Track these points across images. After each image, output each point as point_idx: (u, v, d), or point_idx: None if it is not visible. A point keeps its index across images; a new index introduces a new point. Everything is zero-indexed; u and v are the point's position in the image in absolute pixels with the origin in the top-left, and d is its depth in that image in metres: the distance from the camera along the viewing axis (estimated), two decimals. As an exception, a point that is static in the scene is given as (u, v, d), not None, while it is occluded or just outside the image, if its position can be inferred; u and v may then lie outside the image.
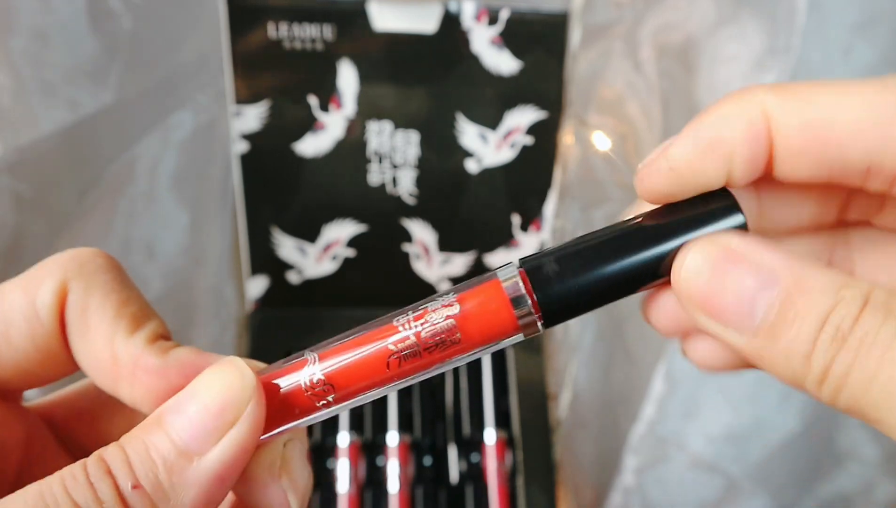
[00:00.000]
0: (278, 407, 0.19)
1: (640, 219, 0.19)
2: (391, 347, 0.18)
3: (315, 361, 0.19)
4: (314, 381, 0.18)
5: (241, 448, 0.18)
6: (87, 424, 0.22)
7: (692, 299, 0.18)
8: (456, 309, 0.18)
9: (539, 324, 0.18)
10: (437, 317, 0.18)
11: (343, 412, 0.19)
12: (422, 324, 0.18)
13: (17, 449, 0.21)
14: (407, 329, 0.18)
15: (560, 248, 0.19)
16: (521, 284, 0.18)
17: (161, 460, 0.17)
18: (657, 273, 0.19)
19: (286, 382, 0.19)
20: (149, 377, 0.19)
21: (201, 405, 0.18)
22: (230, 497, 0.21)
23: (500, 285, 0.18)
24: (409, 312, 0.18)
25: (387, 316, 0.19)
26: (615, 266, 0.18)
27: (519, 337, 0.19)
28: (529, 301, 0.18)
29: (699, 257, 0.18)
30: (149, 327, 0.19)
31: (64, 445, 0.22)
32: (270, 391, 0.19)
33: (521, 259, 0.19)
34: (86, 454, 0.22)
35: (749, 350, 0.18)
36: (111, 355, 0.19)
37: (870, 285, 0.17)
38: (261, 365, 0.20)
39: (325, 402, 0.19)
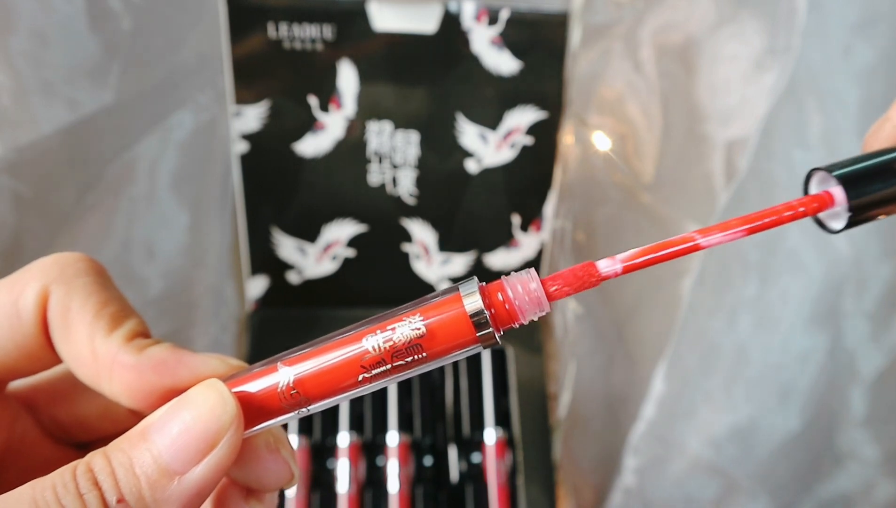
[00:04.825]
0: (255, 411, 0.20)
1: None
2: (362, 366, 0.20)
3: (288, 372, 0.20)
4: (287, 388, 0.20)
5: (220, 469, 0.19)
6: (67, 406, 0.23)
7: None
8: (422, 329, 0.19)
9: (497, 336, 0.20)
10: (404, 336, 0.19)
11: (319, 411, 0.22)
12: (390, 344, 0.20)
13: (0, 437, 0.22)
14: (377, 351, 0.19)
15: (852, 160, 0.22)
16: (479, 298, 0.19)
17: (144, 477, 0.18)
18: None
19: (260, 388, 0.20)
20: (126, 373, 0.20)
21: (184, 427, 0.19)
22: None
23: (462, 300, 0.19)
24: (378, 331, 0.20)
25: (356, 332, 0.20)
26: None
27: (478, 348, 0.20)
28: (488, 314, 0.19)
29: None
30: (127, 325, 0.20)
31: (44, 427, 0.23)
32: (246, 397, 0.20)
33: (829, 167, 0.21)
34: (66, 434, 0.24)
35: None
36: (91, 353, 0.20)
37: None
38: (243, 365, 0.21)
39: (297, 410, 0.20)
